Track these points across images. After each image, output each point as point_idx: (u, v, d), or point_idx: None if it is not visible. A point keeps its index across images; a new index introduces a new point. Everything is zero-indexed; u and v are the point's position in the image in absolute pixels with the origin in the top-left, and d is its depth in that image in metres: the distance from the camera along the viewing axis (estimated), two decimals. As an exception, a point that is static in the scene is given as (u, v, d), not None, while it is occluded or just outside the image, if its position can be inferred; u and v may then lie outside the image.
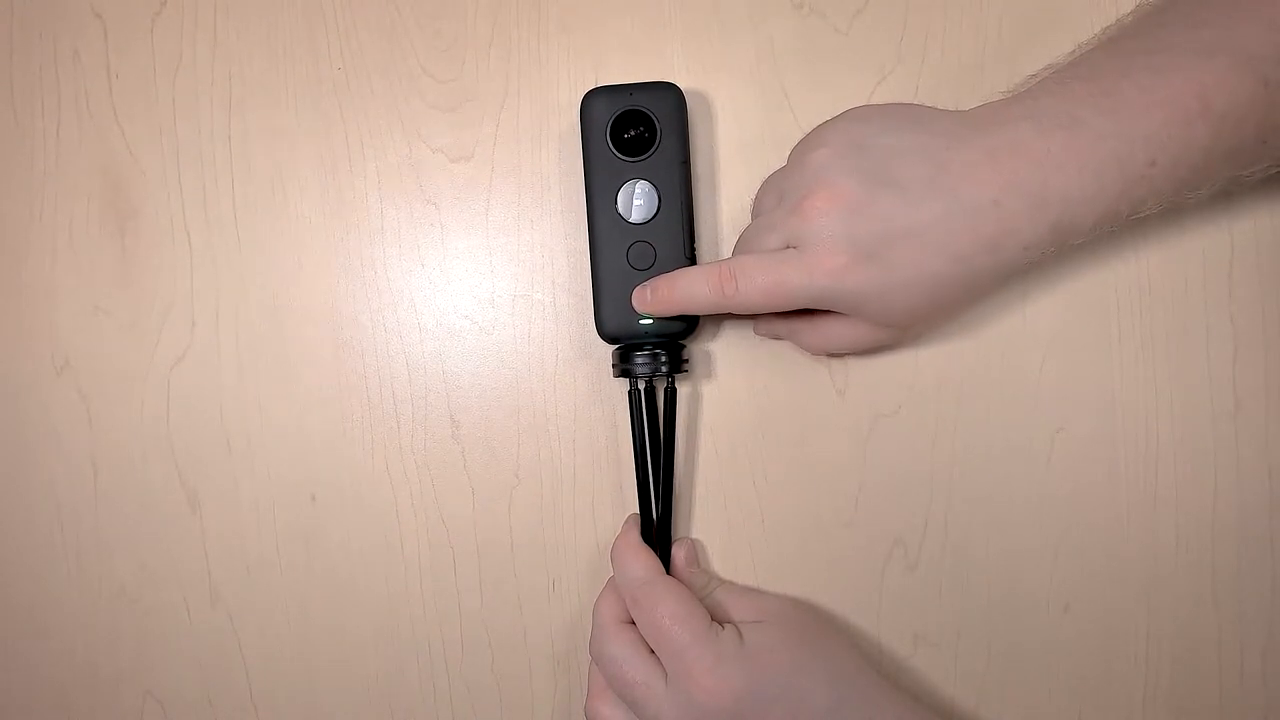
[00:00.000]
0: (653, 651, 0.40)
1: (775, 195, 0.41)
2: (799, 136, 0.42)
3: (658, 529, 0.44)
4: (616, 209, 0.43)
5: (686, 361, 0.44)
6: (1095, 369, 0.45)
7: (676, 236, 0.43)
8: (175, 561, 0.48)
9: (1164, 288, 0.45)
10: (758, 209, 0.43)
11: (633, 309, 0.42)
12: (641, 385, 0.44)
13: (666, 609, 0.40)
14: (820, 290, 0.38)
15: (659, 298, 0.41)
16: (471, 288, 0.48)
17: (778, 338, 0.45)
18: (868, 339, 0.42)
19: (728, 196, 0.46)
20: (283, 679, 0.48)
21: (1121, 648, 0.45)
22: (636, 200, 0.43)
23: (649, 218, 0.43)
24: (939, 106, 0.40)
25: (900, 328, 0.41)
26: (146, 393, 0.48)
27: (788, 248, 0.39)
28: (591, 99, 0.44)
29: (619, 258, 0.43)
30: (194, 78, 0.48)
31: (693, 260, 0.44)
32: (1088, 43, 0.39)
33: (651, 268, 0.43)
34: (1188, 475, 0.45)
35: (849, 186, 0.37)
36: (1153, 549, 0.45)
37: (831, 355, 0.45)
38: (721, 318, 0.46)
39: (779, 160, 0.42)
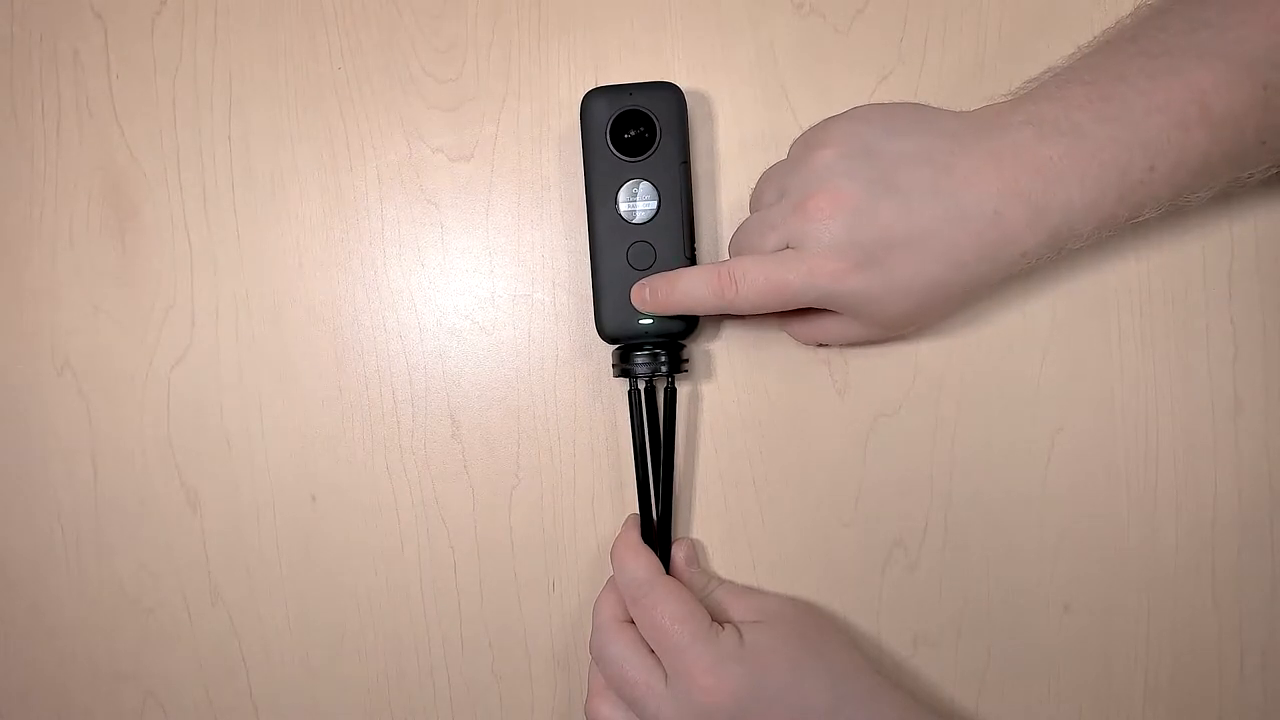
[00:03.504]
0: (653, 651, 0.40)
1: (775, 190, 0.41)
2: (799, 136, 0.41)
3: (658, 529, 0.44)
4: (616, 209, 0.43)
5: (686, 361, 0.44)
6: (1095, 369, 0.45)
7: (676, 236, 0.43)
8: (175, 561, 0.48)
9: (1164, 288, 0.45)
10: (756, 202, 0.43)
11: (633, 309, 0.42)
12: (641, 385, 0.44)
13: (666, 609, 0.40)
14: (820, 292, 0.38)
15: (658, 297, 0.41)
16: (471, 288, 0.48)
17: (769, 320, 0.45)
18: (859, 334, 0.42)
19: (728, 196, 0.46)
20: (283, 679, 0.48)
21: (1121, 648, 0.45)
22: (637, 200, 0.43)
23: (649, 218, 0.43)
24: (939, 107, 0.40)
25: (892, 326, 0.41)
26: (146, 393, 0.48)
27: (787, 248, 0.39)
28: (591, 99, 0.44)
29: (619, 258, 0.43)
30: (194, 78, 0.48)
31: (693, 260, 0.44)
32: (1088, 44, 0.39)
33: (651, 268, 0.43)
34: (1188, 475, 0.45)
35: (852, 190, 0.37)
36: (1153, 549, 0.45)
37: (821, 345, 0.45)
38: (722, 318, 0.46)
39: (779, 160, 0.42)
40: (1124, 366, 0.45)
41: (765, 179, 0.42)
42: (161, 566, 0.48)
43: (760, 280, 0.38)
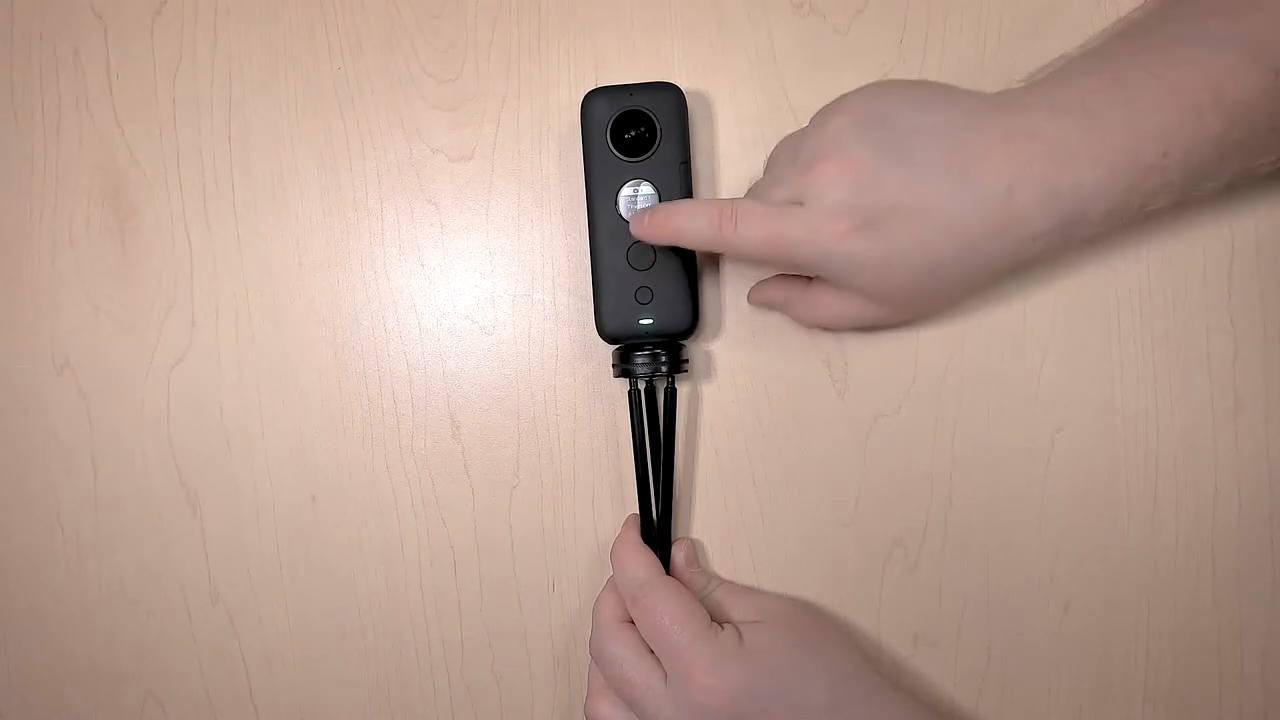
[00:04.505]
0: (652, 651, 0.40)
1: (790, 154, 0.40)
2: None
3: (658, 529, 0.44)
4: (617, 209, 0.43)
5: (686, 361, 0.44)
6: (1095, 369, 0.45)
7: (676, 236, 0.43)
8: (175, 561, 0.48)
9: (1164, 288, 0.45)
10: (770, 167, 0.42)
11: (633, 309, 0.42)
12: (641, 385, 0.44)
13: (666, 609, 0.40)
14: (820, 251, 0.37)
15: (656, 224, 0.40)
16: (471, 288, 0.48)
17: (770, 306, 0.45)
18: (862, 314, 0.41)
19: (728, 196, 0.46)
20: (283, 679, 0.48)
21: (1121, 648, 0.45)
22: (637, 200, 0.43)
23: (649, 218, 0.43)
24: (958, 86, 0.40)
25: (895, 305, 0.41)
26: (146, 393, 0.48)
27: (793, 203, 0.38)
28: (592, 99, 0.44)
29: (619, 258, 0.43)
30: (194, 78, 0.48)
31: (692, 259, 0.44)
32: (1101, 33, 0.39)
33: (652, 268, 0.43)
34: (1188, 475, 0.45)
35: (862, 156, 0.37)
36: (1153, 549, 0.45)
37: (823, 329, 0.45)
38: (722, 316, 0.46)
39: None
40: (1124, 366, 0.45)
41: (781, 146, 0.42)
42: (161, 566, 0.49)
43: (760, 225, 0.38)
